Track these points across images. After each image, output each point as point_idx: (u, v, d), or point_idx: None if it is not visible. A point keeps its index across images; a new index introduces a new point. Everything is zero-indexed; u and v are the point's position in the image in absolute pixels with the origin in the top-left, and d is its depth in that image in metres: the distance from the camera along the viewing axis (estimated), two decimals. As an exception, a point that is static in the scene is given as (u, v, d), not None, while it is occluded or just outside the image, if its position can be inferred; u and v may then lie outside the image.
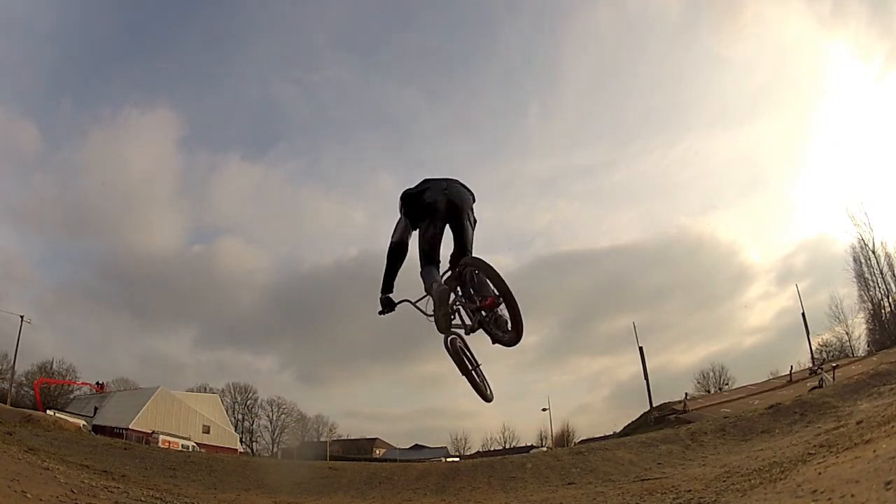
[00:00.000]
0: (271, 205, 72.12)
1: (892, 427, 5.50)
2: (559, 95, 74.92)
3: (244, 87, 73.26)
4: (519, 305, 3.34)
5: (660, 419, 25.76)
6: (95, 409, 34.61)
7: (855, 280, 36.64)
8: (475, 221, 3.94)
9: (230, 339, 67.18)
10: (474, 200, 3.96)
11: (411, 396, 74.02)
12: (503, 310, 3.36)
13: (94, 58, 67.71)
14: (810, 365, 29.96)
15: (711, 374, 44.97)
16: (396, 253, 4.14)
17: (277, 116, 75.44)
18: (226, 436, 38.24)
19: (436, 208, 3.74)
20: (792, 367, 31.37)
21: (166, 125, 71.35)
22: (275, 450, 47.98)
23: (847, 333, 37.53)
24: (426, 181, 3.94)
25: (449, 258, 3.90)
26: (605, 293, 63.32)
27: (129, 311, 64.87)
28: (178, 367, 70.27)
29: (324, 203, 74.82)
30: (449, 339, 3.95)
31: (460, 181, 3.99)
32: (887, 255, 34.78)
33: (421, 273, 3.87)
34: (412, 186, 3.96)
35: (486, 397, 4.13)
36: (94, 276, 65.78)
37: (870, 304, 35.97)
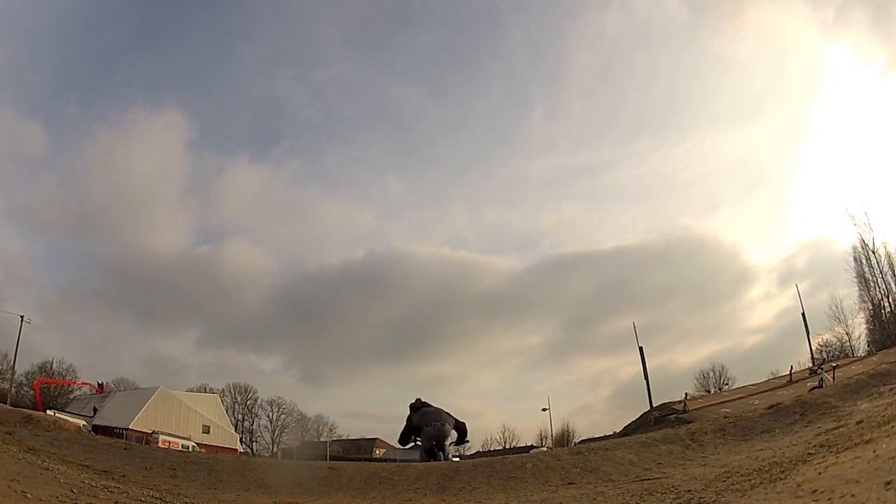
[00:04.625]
0: (277, 206, 72.17)
1: (892, 427, 5.50)
2: (563, 95, 75.00)
3: (248, 86, 73.37)
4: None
5: (660, 419, 25.75)
6: (95, 409, 34.60)
7: (855, 280, 36.72)
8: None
9: (234, 340, 67.45)
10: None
11: (413, 397, 74.01)
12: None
13: (100, 58, 67.94)
14: (810, 365, 29.97)
15: (711, 374, 45.05)
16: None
17: (282, 115, 75.38)
18: (226, 436, 38.24)
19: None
20: (792, 367, 31.44)
21: (174, 127, 71.55)
22: (275, 450, 48.02)
23: (847, 333, 37.60)
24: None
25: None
26: (608, 294, 63.45)
27: (132, 311, 65.14)
28: (180, 368, 70.55)
29: (330, 204, 74.82)
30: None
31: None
32: (888, 255, 34.81)
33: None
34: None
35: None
36: (98, 277, 66.00)
37: (870, 304, 36.03)
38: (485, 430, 72.48)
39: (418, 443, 13.05)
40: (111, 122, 69.37)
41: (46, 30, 64.42)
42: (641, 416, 29.34)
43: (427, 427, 8.48)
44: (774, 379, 31.81)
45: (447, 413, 9.93)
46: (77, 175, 65.26)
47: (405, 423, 9.94)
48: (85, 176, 65.55)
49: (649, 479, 9.20)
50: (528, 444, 46.27)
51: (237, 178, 73.19)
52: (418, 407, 10.68)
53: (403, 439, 9.96)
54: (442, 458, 11.87)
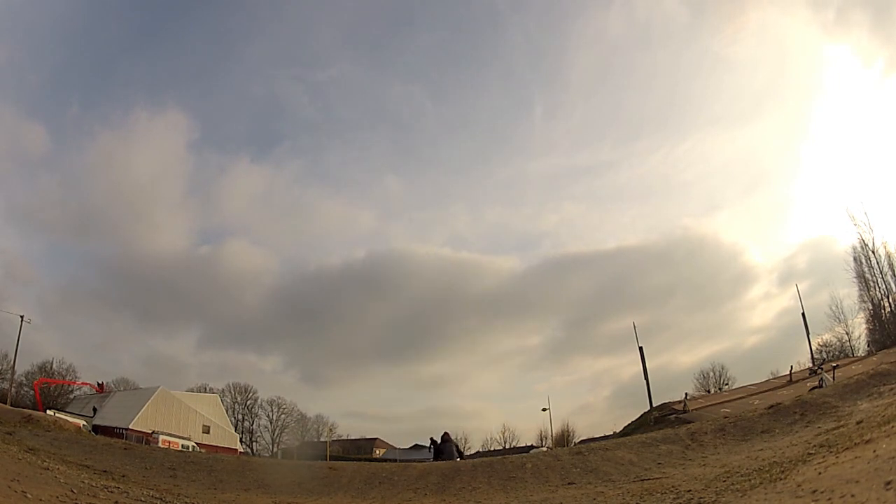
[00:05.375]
0: (278, 206, 72.28)
1: (892, 427, 5.50)
2: (563, 95, 75.03)
3: (248, 86, 73.38)
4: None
5: (660, 419, 25.79)
6: (95, 409, 34.61)
7: (855, 280, 36.76)
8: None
9: (234, 340, 67.60)
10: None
11: (413, 397, 74.51)
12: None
13: (100, 58, 67.98)
14: (810, 365, 29.99)
15: (711, 374, 45.15)
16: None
17: (282, 115, 75.37)
18: (226, 436, 38.27)
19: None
20: (792, 367, 31.47)
21: (175, 128, 71.65)
22: (275, 450, 48.03)
23: (847, 333, 37.64)
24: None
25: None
26: (608, 294, 63.55)
27: (133, 311, 65.27)
28: (180, 368, 70.75)
29: (330, 204, 74.90)
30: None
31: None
32: (888, 255, 34.83)
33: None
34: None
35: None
36: (98, 277, 66.11)
37: (870, 304, 36.07)
38: (485, 430, 72.91)
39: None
40: (112, 123, 69.49)
41: (47, 30, 64.50)
42: (641, 416, 29.38)
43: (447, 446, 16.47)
44: (774, 379, 31.83)
45: (455, 444, 17.17)
46: (78, 175, 65.37)
47: (435, 446, 16.78)
48: (86, 176, 65.66)
49: (649, 479, 9.19)
50: (528, 444, 46.32)
51: (238, 178, 73.33)
52: (445, 440, 16.79)
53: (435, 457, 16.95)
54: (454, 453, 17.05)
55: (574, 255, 69.53)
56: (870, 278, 35.80)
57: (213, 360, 65.27)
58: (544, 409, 41.51)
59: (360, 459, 30.60)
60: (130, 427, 30.90)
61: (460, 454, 17.16)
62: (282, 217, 73.72)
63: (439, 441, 16.75)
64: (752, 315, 63.91)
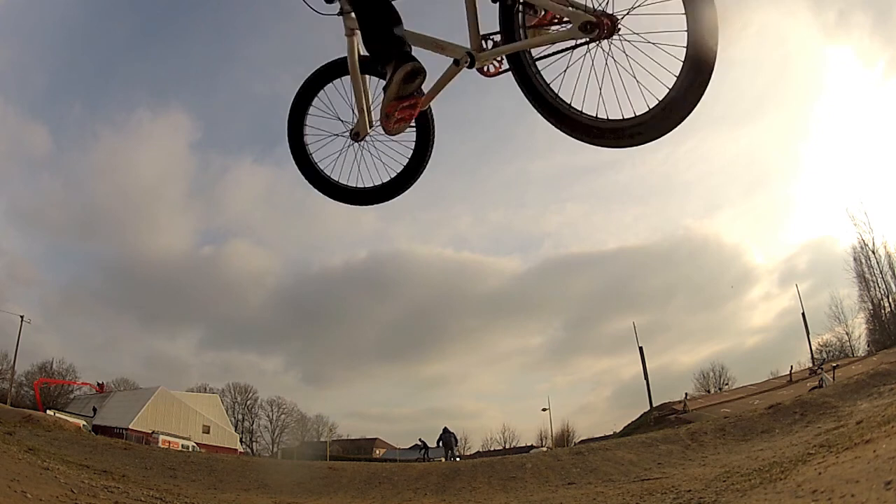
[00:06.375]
0: (281, 206, 72.14)
1: (892, 427, 5.50)
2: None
3: (250, 85, 73.22)
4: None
5: (660, 419, 25.77)
6: (95, 409, 34.57)
7: (855, 280, 36.70)
8: None
9: (236, 341, 67.24)
10: None
11: (413, 397, 74.38)
12: None
13: (102, 59, 67.87)
14: (810, 365, 29.98)
15: (711, 374, 44.99)
16: None
17: (284, 114, 75.06)
18: (226, 436, 38.24)
19: None
20: (792, 367, 31.42)
21: (178, 128, 71.51)
22: (275, 450, 48.01)
23: (847, 333, 37.56)
24: None
25: None
26: (610, 294, 63.32)
27: (135, 312, 64.86)
28: (182, 368, 70.47)
29: (333, 205, 74.30)
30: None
31: None
32: (888, 255, 34.82)
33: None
34: None
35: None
36: (101, 278, 65.70)
37: (870, 304, 36.01)
38: (485, 430, 72.94)
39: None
40: (115, 124, 69.41)
41: (48, 30, 64.47)
42: (641, 416, 29.35)
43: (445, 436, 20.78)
44: (774, 379, 31.78)
45: (453, 434, 21.58)
46: (80, 176, 65.33)
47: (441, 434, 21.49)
48: (88, 177, 65.58)
49: (649, 479, 9.20)
50: (528, 444, 46.27)
51: (240, 178, 73.19)
52: (446, 431, 21.40)
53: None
54: (451, 456, 21.15)
55: (576, 256, 69.51)
56: (870, 278, 35.81)
57: (215, 360, 65.28)
58: (544, 409, 41.49)
59: (360, 459, 30.59)
60: (130, 427, 30.86)
61: (456, 441, 22.75)
62: (284, 217, 73.70)
63: (440, 433, 21.59)
64: (752, 315, 63.74)
